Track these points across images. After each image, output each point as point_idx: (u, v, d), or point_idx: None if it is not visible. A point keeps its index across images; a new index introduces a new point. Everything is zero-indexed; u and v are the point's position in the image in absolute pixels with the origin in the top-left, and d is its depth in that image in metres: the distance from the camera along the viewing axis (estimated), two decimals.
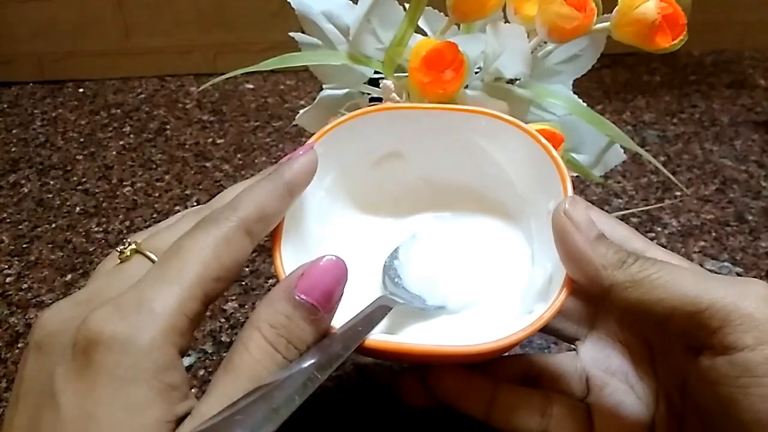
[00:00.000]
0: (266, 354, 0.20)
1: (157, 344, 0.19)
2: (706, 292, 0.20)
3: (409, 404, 0.28)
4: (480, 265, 0.30)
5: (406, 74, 0.32)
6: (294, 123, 0.56)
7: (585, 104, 0.35)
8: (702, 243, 0.47)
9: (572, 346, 0.30)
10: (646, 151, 0.36)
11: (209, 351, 0.39)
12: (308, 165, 0.25)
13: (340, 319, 0.23)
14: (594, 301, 0.29)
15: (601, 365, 0.28)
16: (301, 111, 0.38)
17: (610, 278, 0.22)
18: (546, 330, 0.29)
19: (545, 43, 0.35)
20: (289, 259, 0.25)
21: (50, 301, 0.44)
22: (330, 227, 0.30)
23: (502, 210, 0.31)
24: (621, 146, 0.36)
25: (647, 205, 0.50)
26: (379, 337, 0.23)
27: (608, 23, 0.32)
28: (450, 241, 0.31)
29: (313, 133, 0.29)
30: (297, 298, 0.21)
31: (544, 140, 0.27)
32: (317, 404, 0.36)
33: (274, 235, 0.25)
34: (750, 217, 0.49)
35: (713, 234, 0.47)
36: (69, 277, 0.46)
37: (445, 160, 0.31)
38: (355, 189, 0.32)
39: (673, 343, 0.25)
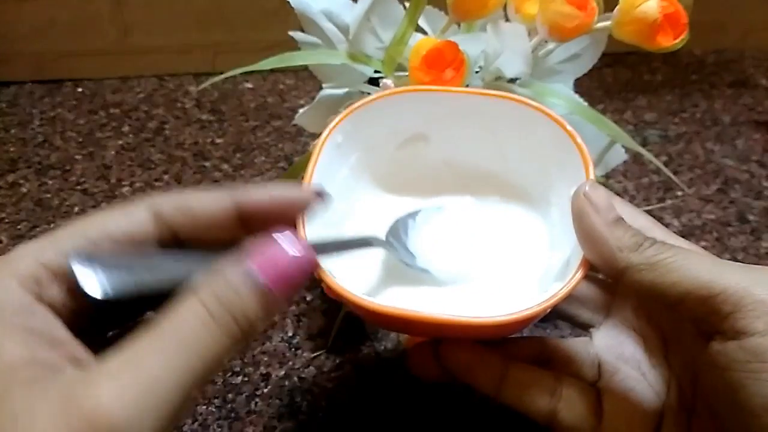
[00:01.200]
0: (202, 323, 0.18)
1: (7, 287, 0.19)
2: (720, 278, 0.21)
3: (419, 377, 0.28)
4: (497, 248, 0.30)
5: (407, 73, 0.32)
6: (293, 122, 0.56)
7: (586, 103, 0.35)
8: (703, 243, 0.46)
9: (587, 333, 0.30)
10: (648, 150, 0.36)
11: None
12: (271, 197, 0.24)
13: (346, 281, 0.24)
14: (610, 288, 0.29)
15: (615, 352, 0.28)
16: (301, 110, 0.38)
17: (625, 260, 0.22)
18: (562, 316, 0.29)
19: (546, 42, 0.35)
20: (313, 233, 0.25)
21: None
22: (353, 204, 0.31)
23: (524, 195, 0.32)
24: (622, 146, 0.36)
25: (648, 205, 0.50)
26: (395, 304, 0.23)
27: (609, 22, 0.32)
28: (471, 222, 0.31)
29: (313, 132, 0.29)
30: (252, 273, 0.19)
31: (569, 126, 0.27)
32: (330, 383, 0.36)
33: None
34: (751, 217, 0.49)
35: (715, 234, 0.47)
36: None
37: (470, 145, 0.31)
38: (379, 169, 0.32)
39: (685, 332, 0.25)
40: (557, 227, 0.29)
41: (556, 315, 0.29)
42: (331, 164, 0.28)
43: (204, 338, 0.18)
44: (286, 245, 0.20)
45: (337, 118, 0.29)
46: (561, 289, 0.23)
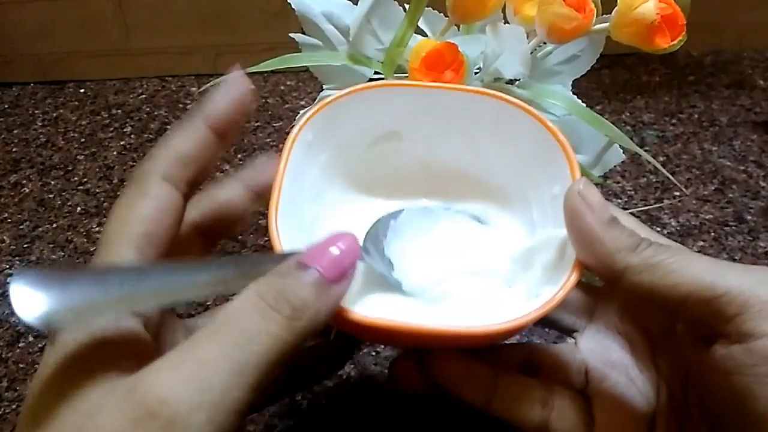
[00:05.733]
0: (258, 311, 0.18)
1: None
2: (723, 279, 0.20)
3: (404, 392, 0.27)
4: (477, 254, 0.28)
5: (406, 75, 0.32)
6: (294, 123, 0.56)
7: (584, 104, 0.35)
8: (701, 243, 0.47)
9: (571, 338, 0.29)
10: (645, 151, 0.36)
11: None
12: (230, 94, 0.23)
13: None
14: (593, 292, 0.29)
15: (601, 357, 0.27)
16: (302, 111, 0.39)
17: (624, 261, 0.21)
18: (543, 321, 0.28)
19: (544, 43, 0.35)
20: (285, 236, 0.24)
21: None
22: (324, 206, 0.29)
23: (501, 196, 0.30)
24: (620, 146, 0.36)
25: (646, 205, 0.50)
26: (380, 316, 0.21)
27: (607, 24, 0.33)
28: (453, 226, 0.30)
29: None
30: (298, 262, 0.20)
31: (550, 123, 0.26)
32: (330, 381, 0.36)
33: (269, 212, 0.24)
34: (749, 217, 0.49)
35: (712, 234, 0.48)
36: None
37: (445, 143, 0.30)
38: (351, 168, 0.30)
39: (677, 335, 0.24)
40: (538, 228, 0.28)
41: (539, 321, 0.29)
42: (301, 163, 0.26)
43: (261, 326, 0.18)
44: (332, 239, 0.21)
45: (307, 115, 0.27)
46: (556, 293, 0.22)
